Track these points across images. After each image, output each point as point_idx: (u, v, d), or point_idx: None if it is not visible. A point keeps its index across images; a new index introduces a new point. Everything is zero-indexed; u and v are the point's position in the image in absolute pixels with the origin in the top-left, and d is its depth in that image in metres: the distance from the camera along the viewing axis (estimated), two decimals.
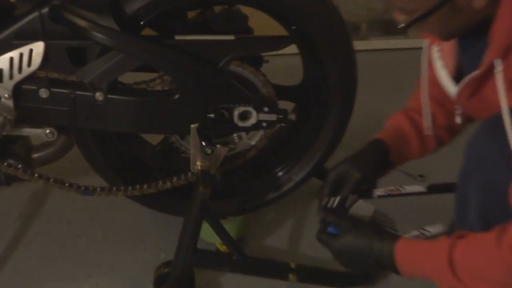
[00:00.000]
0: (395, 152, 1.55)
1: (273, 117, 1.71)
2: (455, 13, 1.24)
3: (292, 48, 1.85)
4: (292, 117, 1.78)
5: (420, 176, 2.21)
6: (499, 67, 1.22)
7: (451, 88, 1.39)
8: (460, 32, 1.31)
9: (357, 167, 1.49)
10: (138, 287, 1.82)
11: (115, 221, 2.06)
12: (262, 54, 1.79)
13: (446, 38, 1.36)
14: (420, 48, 1.49)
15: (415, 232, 1.83)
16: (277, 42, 1.69)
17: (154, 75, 1.75)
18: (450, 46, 1.39)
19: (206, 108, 1.68)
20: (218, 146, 1.71)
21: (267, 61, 1.82)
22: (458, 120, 1.44)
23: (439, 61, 1.41)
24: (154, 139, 1.96)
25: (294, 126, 1.91)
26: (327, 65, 1.77)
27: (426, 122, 1.51)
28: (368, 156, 1.51)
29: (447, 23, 1.27)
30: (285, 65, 2.36)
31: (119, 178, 1.83)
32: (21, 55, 1.62)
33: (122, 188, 1.78)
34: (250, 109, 1.70)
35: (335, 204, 1.47)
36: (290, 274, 1.73)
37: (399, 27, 1.25)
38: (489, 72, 1.26)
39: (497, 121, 1.21)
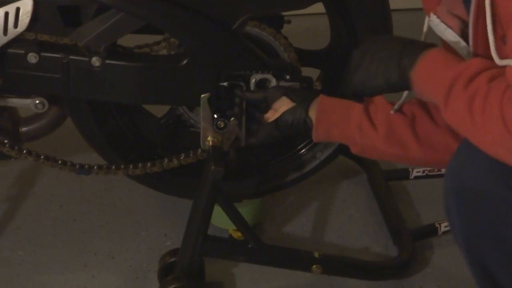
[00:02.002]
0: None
1: (295, 85, 1.68)
2: None
3: (318, 7, 1.82)
4: (318, 85, 1.77)
5: None
6: None
7: (462, 45, 1.37)
8: None
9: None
10: (140, 278, 1.83)
11: (115, 204, 2.06)
12: (283, 13, 1.77)
13: None
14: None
15: None
16: (300, 0, 1.67)
17: (159, 37, 1.75)
18: (450, 4, 1.39)
19: (218, 76, 1.66)
20: (232, 119, 1.68)
21: (289, 22, 1.80)
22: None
23: (441, 26, 1.41)
24: (159, 111, 1.94)
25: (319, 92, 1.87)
26: (357, 26, 1.76)
27: None
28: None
29: None
30: (310, 27, 2.38)
31: (119, 155, 1.82)
32: (6, 14, 1.60)
33: (122, 166, 1.78)
34: (269, 76, 1.68)
35: None
36: (314, 265, 1.73)
37: None
38: None
39: None
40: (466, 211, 1.30)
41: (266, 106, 1.61)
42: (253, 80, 1.68)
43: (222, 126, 1.71)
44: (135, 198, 2.07)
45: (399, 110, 1.49)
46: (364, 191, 2.11)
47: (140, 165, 1.78)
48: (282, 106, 1.58)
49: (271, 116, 1.59)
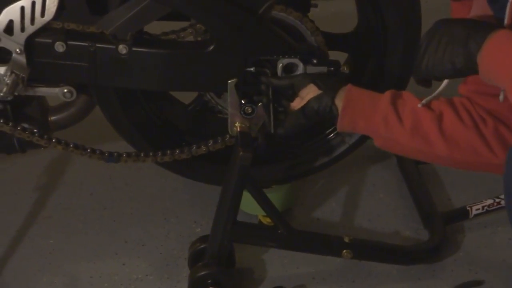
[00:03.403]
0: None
1: (323, 69, 1.66)
2: None
3: None
4: (345, 69, 1.77)
5: None
6: None
7: None
8: None
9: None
10: (170, 265, 1.84)
11: (144, 192, 2.06)
12: None
13: None
14: None
15: (490, 201, 1.84)
16: None
17: (185, 23, 1.75)
18: (479, 11, 1.42)
19: (245, 61, 1.66)
20: (259, 104, 1.68)
21: (316, 6, 1.80)
22: (501, 97, 1.40)
23: None
24: (186, 97, 1.95)
25: (348, 80, 1.80)
26: (386, 8, 1.74)
27: None
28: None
29: None
30: (337, 10, 2.37)
31: (147, 142, 1.83)
32: (33, 3, 1.60)
33: (150, 154, 1.78)
34: (296, 61, 1.66)
35: None
36: (344, 250, 1.73)
37: None
38: None
39: None
40: None
41: (293, 93, 1.60)
42: (280, 65, 1.67)
43: (249, 111, 1.71)
44: (164, 186, 2.07)
45: (427, 106, 1.49)
46: (393, 175, 2.10)
47: (168, 152, 1.78)
48: (309, 93, 1.57)
49: (297, 104, 1.58)
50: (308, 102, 1.55)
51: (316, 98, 1.54)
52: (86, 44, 1.63)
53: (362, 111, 1.51)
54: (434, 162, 1.66)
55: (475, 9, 1.45)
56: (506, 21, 1.31)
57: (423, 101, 1.49)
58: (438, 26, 1.36)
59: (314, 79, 1.58)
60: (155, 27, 1.72)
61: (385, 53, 1.83)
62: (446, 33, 1.33)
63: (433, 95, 1.48)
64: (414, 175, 2.04)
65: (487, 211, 1.88)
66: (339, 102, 1.52)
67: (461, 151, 1.47)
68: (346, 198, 2.04)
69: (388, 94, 1.52)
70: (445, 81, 1.44)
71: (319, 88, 1.55)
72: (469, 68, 1.32)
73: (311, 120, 1.57)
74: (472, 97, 1.50)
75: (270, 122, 1.64)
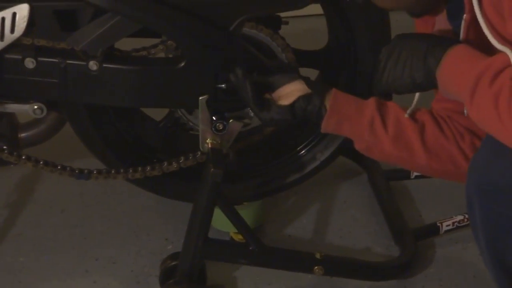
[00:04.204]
0: None
1: None
2: None
3: (316, 8, 1.84)
4: None
5: None
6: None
7: None
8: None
9: None
10: (141, 283, 1.82)
11: (115, 209, 2.05)
12: (281, 15, 1.78)
13: (419, 11, 1.41)
14: None
15: (460, 217, 1.87)
16: (297, 0, 1.65)
17: (156, 40, 1.74)
18: (442, 26, 1.45)
19: (216, 77, 1.65)
20: (231, 120, 1.69)
21: (286, 23, 1.81)
22: (465, 111, 1.41)
23: None
24: (157, 114, 1.94)
25: None
26: (356, 26, 1.77)
27: None
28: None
29: None
30: (308, 28, 2.37)
31: (118, 159, 1.82)
32: (2, 19, 1.60)
33: (121, 170, 1.76)
34: None
35: None
36: (315, 267, 1.72)
37: None
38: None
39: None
40: (489, 207, 1.30)
41: (272, 88, 1.58)
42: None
43: (221, 128, 1.70)
44: (135, 203, 2.06)
45: (410, 116, 1.51)
46: (365, 192, 2.10)
47: (139, 169, 1.77)
48: (294, 90, 1.55)
49: (279, 98, 1.55)
50: (298, 99, 1.52)
51: (306, 97, 1.52)
52: (57, 60, 1.62)
53: (348, 114, 1.51)
54: (412, 169, 1.75)
55: (438, 25, 1.46)
56: (461, 36, 1.32)
57: (408, 111, 1.51)
58: (397, 41, 1.38)
59: (303, 77, 1.57)
60: (126, 44, 1.72)
61: (355, 70, 1.84)
62: (405, 48, 1.34)
63: (414, 103, 1.50)
64: (385, 191, 2.04)
65: (458, 227, 1.88)
66: (326, 104, 1.51)
67: (441, 162, 1.49)
68: (318, 214, 2.03)
69: (373, 100, 1.53)
70: (417, 94, 1.46)
71: (309, 87, 1.54)
72: (429, 83, 1.33)
73: (296, 118, 1.54)
74: (446, 114, 1.53)
75: (251, 100, 1.56)
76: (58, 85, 1.63)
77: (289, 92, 1.55)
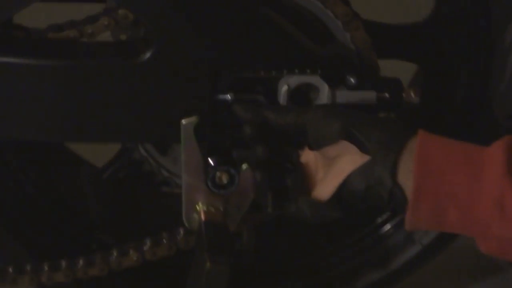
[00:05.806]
0: None
1: (369, 97, 1.19)
2: None
3: None
4: (413, 95, 1.27)
5: None
6: None
7: None
8: None
9: None
10: None
11: None
12: None
13: None
14: None
15: None
16: None
17: (98, 7, 1.27)
18: None
19: (214, 81, 1.18)
20: (243, 166, 1.17)
21: None
22: None
23: None
24: (99, 155, 1.49)
25: (417, 120, 1.44)
26: None
27: None
28: None
29: None
30: None
31: (24, 246, 1.37)
32: None
33: (28, 268, 1.28)
34: (315, 79, 1.17)
35: None
36: None
37: None
38: None
39: None
40: None
41: (304, 141, 1.14)
42: (284, 88, 1.19)
43: (224, 181, 1.20)
44: None
45: None
46: None
47: (63, 264, 1.28)
48: (340, 156, 1.09)
49: (324, 175, 1.12)
50: (347, 181, 1.08)
51: (361, 173, 1.07)
52: None
53: (453, 190, 1.03)
54: None
55: None
56: None
57: None
58: None
59: (349, 126, 1.09)
60: (39, 15, 1.31)
61: (489, 64, 1.36)
62: None
63: None
64: None
65: None
66: (405, 176, 1.04)
67: None
68: None
69: (499, 151, 1.04)
70: None
71: (362, 149, 1.06)
72: None
73: (351, 211, 1.14)
74: None
75: (267, 197, 1.18)
76: None
77: (332, 165, 1.12)
